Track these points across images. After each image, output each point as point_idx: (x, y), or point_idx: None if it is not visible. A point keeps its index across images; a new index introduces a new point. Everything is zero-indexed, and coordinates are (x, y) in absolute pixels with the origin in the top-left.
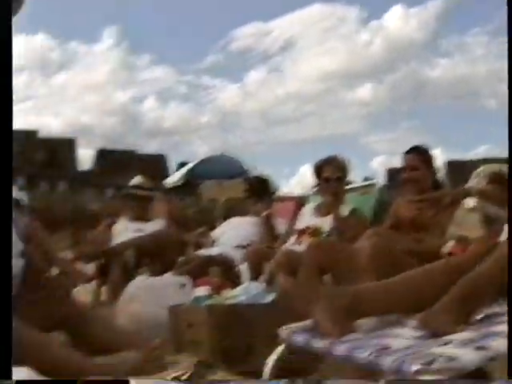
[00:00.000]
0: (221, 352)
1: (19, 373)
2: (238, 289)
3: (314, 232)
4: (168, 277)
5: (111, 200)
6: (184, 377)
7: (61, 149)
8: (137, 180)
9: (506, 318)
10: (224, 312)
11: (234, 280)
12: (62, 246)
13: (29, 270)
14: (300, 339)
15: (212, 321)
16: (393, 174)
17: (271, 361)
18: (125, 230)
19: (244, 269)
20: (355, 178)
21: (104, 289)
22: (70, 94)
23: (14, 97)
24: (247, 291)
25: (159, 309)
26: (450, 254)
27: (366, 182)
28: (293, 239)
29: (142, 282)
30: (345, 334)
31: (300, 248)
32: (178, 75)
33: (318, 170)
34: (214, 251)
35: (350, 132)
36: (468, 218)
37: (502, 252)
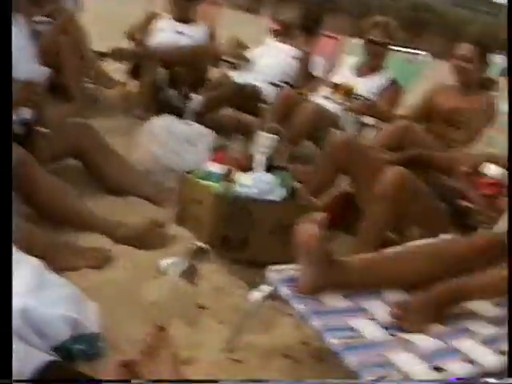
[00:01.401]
0: (219, 238)
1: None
2: (250, 177)
3: (347, 91)
4: (194, 125)
5: None
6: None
7: None
8: None
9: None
10: (230, 203)
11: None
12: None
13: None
14: (283, 288)
15: (217, 208)
16: None
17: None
18: (166, 29)
19: (258, 158)
20: None
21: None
22: None
23: None
24: (256, 183)
25: (175, 156)
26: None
27: (417, 52)
28: (326, 90)
29: (165, 122)
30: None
31: (328, 104)
32: None
33: (365, 29)
34: (247, 78)
35: None
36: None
37: (501, 275)
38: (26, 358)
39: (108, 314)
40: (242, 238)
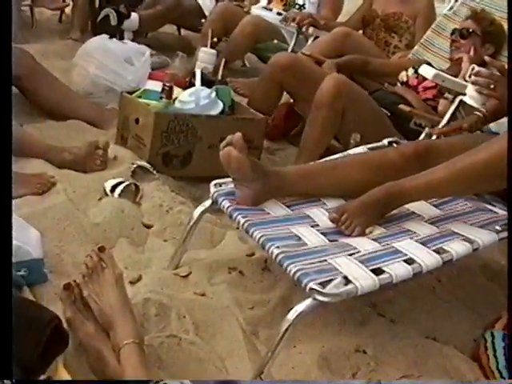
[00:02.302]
0: (161, 156)
1: None
2: (188, 93)
3: (286, 1)
4: (130, 43)
5: None
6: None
7: None
8: None
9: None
10: (170, 120)
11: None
12: None
13: None
14: (224, 202)
15: (157, 126)
16: None
17: (197, 213)
18: None
19: (198, 74)
20: None
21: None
22: None
23: None
24: (197, 99)
25: (114, 75)
26: (405, 83)
27: None
28: (265, 1)
29: (101, 42)
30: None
31: (268, 15)
32: None
33: None
34: None
35: None
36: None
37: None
38: None
39: (52, 240)
40: (182, 154)
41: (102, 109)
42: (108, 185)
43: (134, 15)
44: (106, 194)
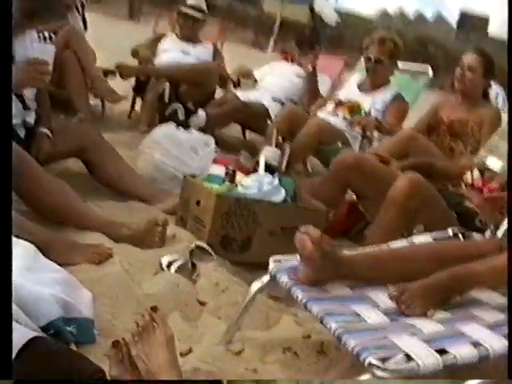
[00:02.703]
0: (220, 238)
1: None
2: (251, 179)
3: (352, 107)
4: (196, 134)
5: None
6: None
7: None
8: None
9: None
10: (232, 203)
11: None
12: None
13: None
14: (283, 276)
15: (218, 209)
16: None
17: (255, 287)
18: (171, 50)
19: (262, 161)
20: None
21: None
22: None
23: None
24: (260, 185)
25: (178, 163)
26: (471, 185)
27: (419, 69)
28: (331, 107)
29: (168, 131)
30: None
31: (334, 119)
32: None
33: (364, 47)
34: (251, 96)
35: None
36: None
37: (501, 262)
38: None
39: (104, 305)
40: (242, 238)
41: (160, 189)
42: (164, 260)
43: (201, 112)
44: (162, 269)
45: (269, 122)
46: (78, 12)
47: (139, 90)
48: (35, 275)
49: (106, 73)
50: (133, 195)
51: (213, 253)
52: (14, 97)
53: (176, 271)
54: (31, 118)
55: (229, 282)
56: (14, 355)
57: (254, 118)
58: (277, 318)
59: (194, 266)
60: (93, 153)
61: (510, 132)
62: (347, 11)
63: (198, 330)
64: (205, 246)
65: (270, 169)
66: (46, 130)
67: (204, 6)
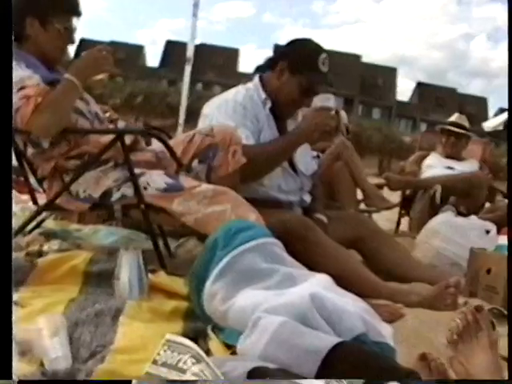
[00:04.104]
0: None
1: None
2: None
3: None
4: (474, 219)
5: (425, 134)
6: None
7: (382, 77)
8: (455, 117)
9: None
10: None
11: None
12: (369, 173)
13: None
14: None
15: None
16: None
17: None
18: (435, 166)
19: None
20: None
21: (405, 219)
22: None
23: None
24: None
25: (460, 248)
26: None
27: None
28: None
29: (446, 218)
30: None
31: None
32: None
33: None
34: None
35: None
36: None
37: None
38: (313, 339)
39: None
40: None
41: (441, 271)
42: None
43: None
44: None
45: None
46: (343, 135)
47: (404, 204)
48: (339, 296)
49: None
50: (415, 280)
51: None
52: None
53: None
54: (307, 197)
55: None
56: (320, 359)
57: None
58: None
59: (492, 324)
60: (370, 242)
61: (510, 135)
62: None
63: None
64: (500, 308)
65: None
66: (322, 216)
67: (466, 122)
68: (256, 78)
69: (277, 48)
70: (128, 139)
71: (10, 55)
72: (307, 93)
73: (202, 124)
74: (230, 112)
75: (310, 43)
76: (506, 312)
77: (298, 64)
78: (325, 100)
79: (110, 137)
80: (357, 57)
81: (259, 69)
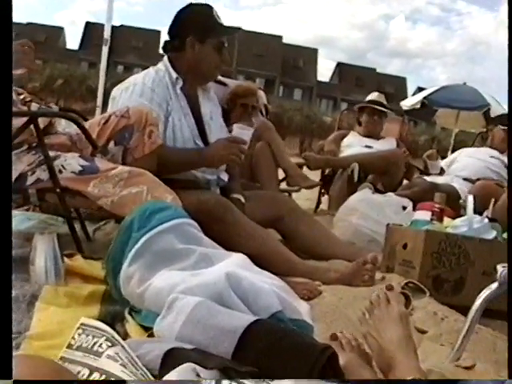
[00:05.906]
0: (431, 279)
1: None
2: (460, 219)
3: None
4: (391, 196)
5: (344, 114)
6: None
7: (303, 57)
8: (373, 96)
9: None
10: (441, 240)
11: (456, 210)
12: (291, 153)
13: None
14: None
15: (428, 246)
16: None
17: (481, 298)
18: (354, 145)
19: (470, 200)
20: None
21: (325, 198)
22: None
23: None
24: (469, 223)
25: (377, 225)
26: None
27: None
28: None
29: (363, 195)
30: None
31: None
32: None
33: None
34: (440, 179)
35: None
36: None
37: None
38: (229, 319)
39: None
40: (454, 279)
41: (360, 248)
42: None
43: (390, 194)
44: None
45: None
46: (262, 115)
47: (324, 183)
48: (255, 274)
49: None
50: (333, 258)
51: (425, 289)
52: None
53: None
54: (224, 176)
55: (448, 312)
56: (237, 338)
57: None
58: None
59: (407, 298)
60: (288, 221)
61: (510, 136)
62: None
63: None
64: (416, 282)
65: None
66: (239, 196)
67: (385, 101)
68: (165, 58)
69: (173, 25)
70: (42, 122)
71: (10, 55)
72: (221, 50)
73: (111, 107)
74: (136, 95)
75: (199, 7)
76: (421, 286)
77: (203, 32)
78: (241, 132)
79: (24, 119)
80: (278, 38)
81: (166, 50)
